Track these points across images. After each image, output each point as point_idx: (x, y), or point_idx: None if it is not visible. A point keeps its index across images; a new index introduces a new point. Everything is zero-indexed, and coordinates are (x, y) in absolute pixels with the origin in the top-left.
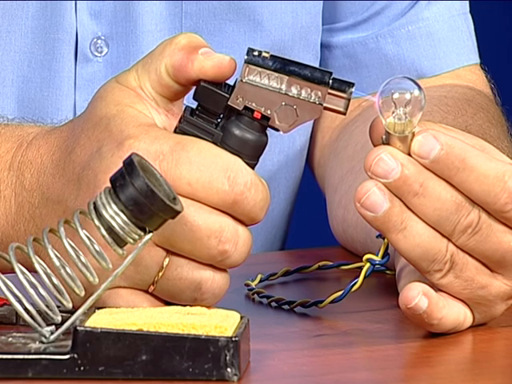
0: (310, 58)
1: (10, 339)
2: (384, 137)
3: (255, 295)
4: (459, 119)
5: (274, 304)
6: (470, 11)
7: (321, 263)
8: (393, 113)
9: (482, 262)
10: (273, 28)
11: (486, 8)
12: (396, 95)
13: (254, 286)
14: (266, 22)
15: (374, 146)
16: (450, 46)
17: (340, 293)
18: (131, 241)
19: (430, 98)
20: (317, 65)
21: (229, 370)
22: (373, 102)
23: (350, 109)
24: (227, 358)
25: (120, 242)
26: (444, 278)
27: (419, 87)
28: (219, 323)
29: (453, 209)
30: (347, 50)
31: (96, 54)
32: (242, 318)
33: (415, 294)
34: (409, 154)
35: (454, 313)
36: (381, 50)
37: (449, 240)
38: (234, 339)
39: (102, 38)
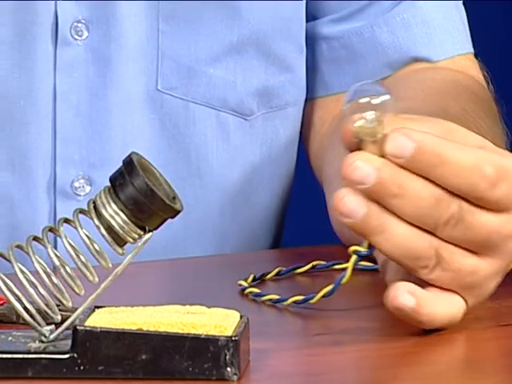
0: (293, 49)
1: (10, 338)
2: (357, 141)
3: (249, 295)
4: (440, 101)
5: (268, 302)
6: (468, 10)
7: (315, 262)
8: (361, 118)
9: (467, 249)
10: (251, 17)
11: (483, 7)
12: (363, 100)
13: (247, 285)
14: (245, 11)
15: (349, 151)
16: (445, 34)
17: (331, 287)
18: (131, 240)
19: (414, 81)
20: (302, 57)
21: (228, 369)
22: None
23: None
24: (227, 357)
25: (120, 241)
26: (432, 274)
27: (386, 91)
28: (219, 322)
29: (433, 204)
30: (343, 40)
31: (76, 37)
32: (241, 317)
33: (400, 294)
34: (383, 156)
35: (444, 306)
36: (376, 39)
37: (432, 235)
38: (233, 338)
39: (83, 21)
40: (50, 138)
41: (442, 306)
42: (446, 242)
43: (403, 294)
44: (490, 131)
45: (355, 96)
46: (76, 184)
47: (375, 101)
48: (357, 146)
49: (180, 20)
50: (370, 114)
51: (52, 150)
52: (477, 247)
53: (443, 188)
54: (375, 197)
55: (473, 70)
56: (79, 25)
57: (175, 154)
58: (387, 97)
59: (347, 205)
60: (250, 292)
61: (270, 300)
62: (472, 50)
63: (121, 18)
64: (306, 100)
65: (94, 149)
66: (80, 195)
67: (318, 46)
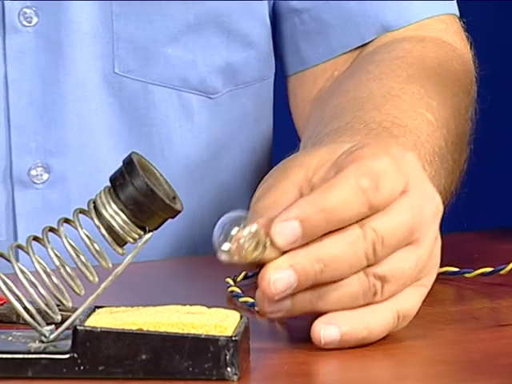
0: (255, 24)
1: (10, 338)
2: (253, 262)
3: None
4: (384, 85)
5: (244, 305)
6: (467, 10)
7: None
8: (241, 245)
9: (398, 249)
10: None
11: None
12: (234, 231)
13: (232, 284)
14: None
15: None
16: None
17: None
18: (131, 240)
19: (365, 64)
20: (266, 32)
21: (229, 369)
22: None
23: (322, 82)
24: (227, 357)
25: (120, 241)
26: (385, 293)
27: (251, 223)
28: (219, 322)
29: (351, 248)
30: (313, 12)
31: (25, 23)
32: (241, 317)
33: (319, 332)
34: (284, 252)
35: (377, 325)
36: (344, 8)
37: (366, 268)
38: (233, 338)
39: (32, 8)
40: (3, 127)
41: (376, 322)
42: (378, 264)
43: (324, 332)
44: (436, 111)
45: (225, 228)
46: (33, 172)
47: (244, 232)
48: (257, 264)
49: (133, 1)
50: (247, 236)
51: (7, 138)
52: (404, 240)
53: (346, 227)
54: (305, 285)
55: (449, 33)
56: (28, 11)
57: (137, 137)
58: (251, 229)
59: (276, 305)
60: (232, 291)
61: (245, 303)
62: (450, 11)
63: (71, 3)
64: (286, 77)
65: (50, 136)
66: (37, 183)
67: (291, 20)
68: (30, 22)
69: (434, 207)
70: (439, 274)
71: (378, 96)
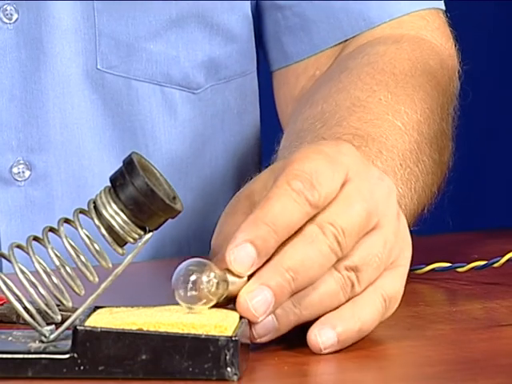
0: (237, 18)
1: (10, 338)
2: (224, 300)
3: None
4: (350, 96)
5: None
6: (467, 10)
7: None
8: (201, 293)
9: (363, 237)
10: None
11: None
12: (193, 277)
13: None
14: None
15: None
16: None
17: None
18: (131, 240)
19: (339, 71)
20: (248, 26)
21: (229, 369)
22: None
23: (304, 81)
24: (227, 357)
25: (120, 241)
26: (361, 283)
27: (209, 272)
28: (219, 322)
29: (317, 248)
30: (296, 9)
31: (5, 20)
32: (241, 317)
33: (316, 340)
34: (249, 277)
35: (367, 314)
36: (327, 4)
37: (336, 264)
38: (233, 339)
39: (12, 4)
40: None
41: (366, 315)
42: (346, 257)
43: (321, 334)
44: (404, 115)
45: (183, 276)
46: (14, 169)
47: (205, 279)
48: (228, 301)
49: None
50: (206, 280)
51: None
52: (365, 227)
53: (303, 229)
54: (284, 298)
55: (425, 30)
56: (8, 8)
57: (120, 133)
58: (210, 277)
59: (259, 326)
60: None
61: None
62: (435, 6)
63: (51, 0)
64: (271, 72)
65: (32, 133)
66: (19, 181)
67: (274, 16)
68: (10, 19)
69: (385, 188)
70: (434, 272)
71: (343, 108)
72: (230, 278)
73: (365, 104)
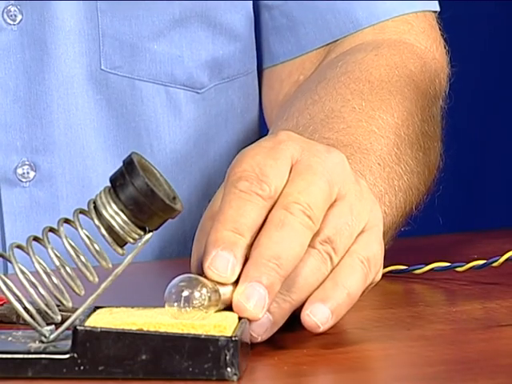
0: (240, 17)
1: (10, 338)
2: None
3: None
4: (324, 109)
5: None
6: (466, 11)
7: None
8: (200, 303)
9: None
10: None
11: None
12: (186, 293)
13: None
14: None
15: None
16: None
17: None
18: (131, 240)
19: (317, 81)
20: (250, 25)
21: (229, 369)
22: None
23: (288, 87)
24: (227, 357)
25: (120, 241)
26: (338, 253)
27: (200, 287)
28: (219, 323)
29: (290, 228)
30: (283, 9)
31: (9, 21)
32: (240, 317)
33: (310, 319)
34: (236, 282)
35: (350, 280)
36: (314, 4)
37: (311, 241)
38: (233, 339)
39: (16, 5)
40: None
41: (353, 282)
42: (317, 232)
43: (314, 313)
44: (379, 120)
45: (176, 293)
46: (19, 170)
47: (197, 295)
48: (225, 306)
49: None
50: (199, 295)
51: None
52: (328, 197)
53: (271, 214)
54: (276, 287)
55: (409, 34)
56: (12, 9)
57: (125, 133)
58: (202, 292)
59: (255, 325)
60: None
61: None
62: (425, 8)
63: (54, 1)
64: (258, 71)
65: (36, 134)
66: (24, 181)
67: (262, 15)
68: (14, 20)
69: (335, 158)
70: (434, 273)
71: (316, 121)
72: (221, 288)
73: (338, 114)
